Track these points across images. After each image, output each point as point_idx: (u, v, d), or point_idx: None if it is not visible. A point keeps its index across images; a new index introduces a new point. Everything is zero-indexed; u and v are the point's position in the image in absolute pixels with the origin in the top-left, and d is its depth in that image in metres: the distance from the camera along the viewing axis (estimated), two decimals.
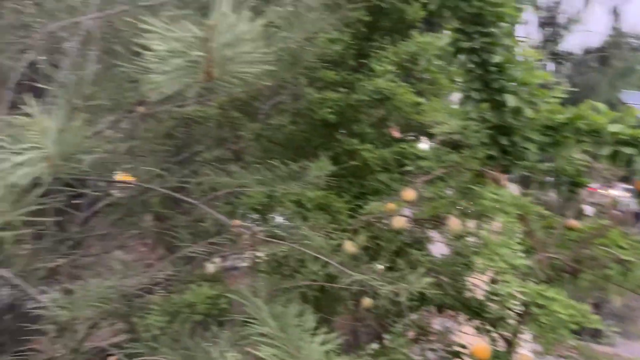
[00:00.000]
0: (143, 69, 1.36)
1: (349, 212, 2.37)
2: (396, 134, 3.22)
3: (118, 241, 2.35)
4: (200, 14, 2.11)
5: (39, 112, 1.18)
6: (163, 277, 1.97)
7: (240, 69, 0.96)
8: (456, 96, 3.78)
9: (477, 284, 2.33)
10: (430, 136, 2.68)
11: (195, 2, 1.94)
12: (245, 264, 3.28)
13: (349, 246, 2.21)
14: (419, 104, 2.48)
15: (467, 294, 2.30)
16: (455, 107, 2.30)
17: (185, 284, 2.10)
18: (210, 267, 2.64)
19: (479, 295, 2.31)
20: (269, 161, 2.31)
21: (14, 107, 2.50)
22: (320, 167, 2.38)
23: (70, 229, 2.31)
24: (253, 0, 1.20)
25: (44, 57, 2.08)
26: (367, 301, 2.07)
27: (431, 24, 3.43)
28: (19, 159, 0.85)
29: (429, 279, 1.59)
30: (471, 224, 2.06)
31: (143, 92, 1.46)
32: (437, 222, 2.25)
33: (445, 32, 2.30)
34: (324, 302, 2.28)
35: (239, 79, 1.01)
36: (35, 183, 0.93)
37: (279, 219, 2.63)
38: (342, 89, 2.56)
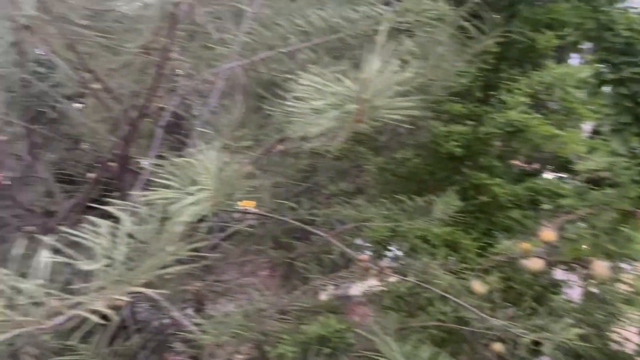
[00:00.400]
0: (289, 112, 1.44)
1: (477, 250, 2.27)
2: (525, 166, 3.06)
3: (248, 268, 2.47)
4: (333, 57, 2.19)
5: (199, 153, 1.29)
6: (291, 306, 2.03)
7: (388, 115, 0.98)
8: (589, 126, 3.51)
9: (626, 337, 2.10)
10: (569, 171, 2.51)
11: (328, 46, 2.03)
12: (358, 294, 3.28)
13: (478, 286, 2.11)
14: (556, 136, 2.33)
15: (614, 347, 2.08)
16: (597, 139, 2.13)
17: (312, 314, 2.14)
18: (324, 296, 2.68)
19: (629, 349, 2.07)
20: (393, 195, 2.31)
21: (165, 145, 2.76)
22: (447, 202, 2.32)
23: (204, 254, 2.48)
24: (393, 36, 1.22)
25: (194, 100, 2.29)
26: (497, 346, 1.95)
27: (560, 51, 3.25)
28: (190, 199, 0.94)
29: (576, 330, 1.46)
30: (619, 269, 1.87)
31: (286, 132, 1.54)
32: (577, 264, 2.07)
33: (579, 60, 2.17)
34: (451, 343, 2.20)
35: (383, 122, 1.03)
36: (200, 220, 1.01)
37: (400, 254, 2.61)
38: (469, 122, 2.50)
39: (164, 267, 0.89)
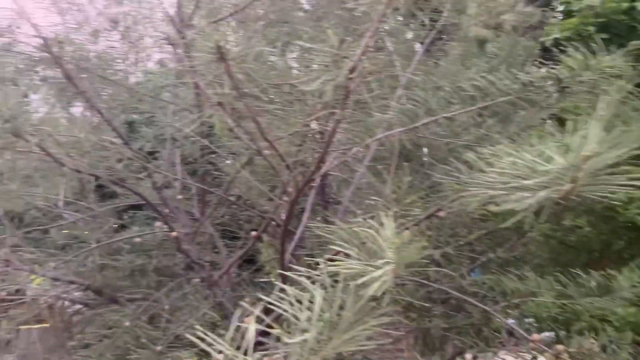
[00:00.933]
0: (467, 182, 1.39)
1: None
2: None
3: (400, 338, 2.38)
4: (498, 120, 2.09)
5: (374, 222, 1.28)
6: None
7: (594, 192, 0.90)
8: None
9: None
10: None
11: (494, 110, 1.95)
12: None
13: None
14: None
15: None
16: None
17: None
18: None
19: None
20: (560, 267, 2.09)
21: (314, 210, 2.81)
22: (630, 278, 2.05)
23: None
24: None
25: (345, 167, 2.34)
26: None
27: None
28: (379, 272, 0.92)
29: None
30: None
31: (452, 200, 1.49)
32: None
33: None
34: None
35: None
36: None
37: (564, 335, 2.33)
38: None
39: (356, 341, 0.87)
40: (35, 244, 3.11)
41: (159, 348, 2.08)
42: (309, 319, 0.85)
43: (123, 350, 2.48)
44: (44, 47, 2.21)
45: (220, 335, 0.78)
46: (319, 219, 2.26)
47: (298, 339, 0.79)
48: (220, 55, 1.34)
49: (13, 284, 2.88)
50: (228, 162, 3.40)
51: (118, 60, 2.98)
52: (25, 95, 2.78)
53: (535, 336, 1.74)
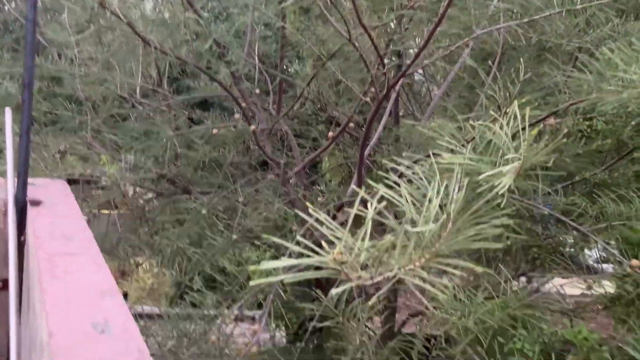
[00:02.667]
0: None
1: None
2: None
3: None
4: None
5: (493, 119, 1.15)
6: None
7: None
8: None
9: None
10: None
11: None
12: (575, 294, 2.87)
13: None
14: None
15: None
16: None
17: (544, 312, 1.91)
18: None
19: None
20: None
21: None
22: None
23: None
24: None
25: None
26: None
27: None
28: (506, 168, 0.81)
29: None
30: None
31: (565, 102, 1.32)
32: None
33: None
34: None
35: None
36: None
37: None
38: None
39: (471, 242, 0.79)
40: (113, 131, 3.18)
41: (235, 236, 2.11)
42: (426, 217, 0.76)
43: (198, 236, 2.56)
44: None
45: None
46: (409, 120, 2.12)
47: (420, 229, 0.72)
48: None
49: (93, 168, 3.00)
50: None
51: None
52: None
53: (635, 262, 1.61)
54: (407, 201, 0.83)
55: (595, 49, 1.63)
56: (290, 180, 2.68)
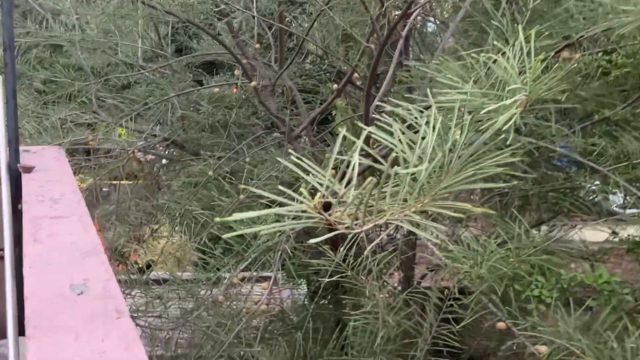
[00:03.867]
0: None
1: None
2: None
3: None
4: None
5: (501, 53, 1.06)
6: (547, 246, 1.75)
7: None
8: None
9: None
10: None
11: None
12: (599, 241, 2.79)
13: None
14: None
15: None
16: None
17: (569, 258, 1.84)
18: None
19: None
20: None
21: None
22: None
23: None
24: None
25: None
26: None
27: None
28: (508, 101, 0.73)
29: None
30: None
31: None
32: None
33: None
34: None
35: None
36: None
37: None
38: None
39: (469, 182, 0.72)
40: (118, 98, 3.13)
41: (242, 196, 2.08)
42: (420, 156, 0.70)
43: (208, 199, 2.54)
44: None
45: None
46: (411, 62, 2.02)
47: (410, 170, 0.65)
48: None
49: (101, 135, 2.97)
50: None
51: None
52: None
53: None
54: (401, 142, 0.77)
55: None
56: (299, 138, 2.62)
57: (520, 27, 1.24)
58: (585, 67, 1.90)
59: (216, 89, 2.53)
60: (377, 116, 0.85)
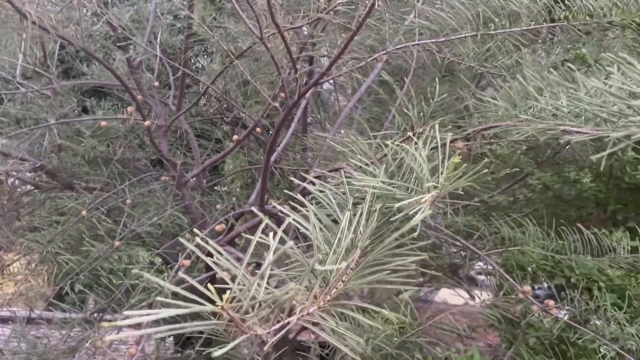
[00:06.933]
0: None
1: None
2: None
3: None
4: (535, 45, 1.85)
5: (409, 143, 1.08)
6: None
7: None
8: None
9: None
10: None
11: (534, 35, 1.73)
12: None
13: None
14: None
15: None
16: None
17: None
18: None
19: None
20: (553, 219, 1.99)
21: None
22: (618, 241, 1.97)
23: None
24: None
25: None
26: None
27: None
28: (424, 197, 0.73)
29: None
30: None
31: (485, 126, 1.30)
32: None
33: None
34: None
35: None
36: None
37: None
38: None
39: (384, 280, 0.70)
40: None
41: (117, 242, 1.89)
42: (337, 245, 0.66)
43: (76, 239, 2.28)
44: None
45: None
46: (313, 131, 2.04)
47: (330, 267, 0.61)
48: None
49: None
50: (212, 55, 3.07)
51: None
52: None
53: (527, 288, 1.65)
54: (315, 228, 0.72)
55: (507, 75, 1.66)
56: (188, 184, 2.48)
57: (427, 115, 1.29)
58: (476, 155, 2.05)
59: (104, 122, 2.34)
60: (295, 195, 0.81)
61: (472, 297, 2.86)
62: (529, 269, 1.94)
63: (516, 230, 1.99)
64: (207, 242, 0.57)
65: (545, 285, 2.08)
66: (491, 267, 1.97)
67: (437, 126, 0.95)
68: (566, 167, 2.23)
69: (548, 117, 1.06)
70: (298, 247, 0.67)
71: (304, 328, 2.90)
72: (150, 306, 1.74)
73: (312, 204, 0.77)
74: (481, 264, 2.71)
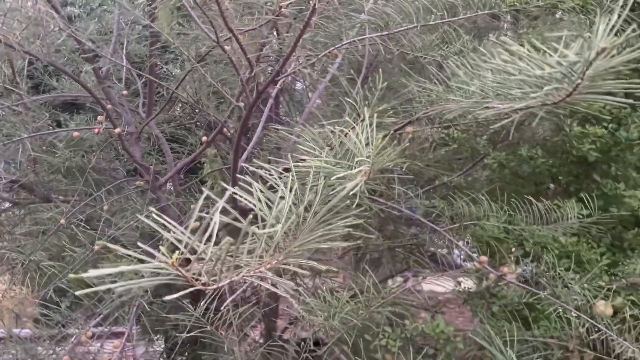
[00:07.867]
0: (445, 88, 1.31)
1: (604, 268, 2.04)
2: None
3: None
4: (473, 36, 1.98)
5: (351, 126, 1.19)
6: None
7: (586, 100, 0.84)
8: None
9: None
10: None
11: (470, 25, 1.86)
12: (444, 291, 3.11)
13: (603, 308, 1.90)
14: None
15: None
16: None
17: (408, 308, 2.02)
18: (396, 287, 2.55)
19: None
20: (511, 195, 2.12)
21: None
22: (571, 210, 2.11)
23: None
24: None
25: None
26: None
27: None
28: (354, 172, 0.84)
29: None
30: None
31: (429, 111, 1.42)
32: None
33: None
34: None
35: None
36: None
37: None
38: (609, 125, 2.24)
39: (322, 240, 0.81)
40: None
41: (96, 247, 1.97)
42: (277, 216, 0.77)
43: (58, 248, 2.35)
44: None
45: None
46: (276, 126, 2.14)
47: (266, 230, 0.71)
48: None
49: None
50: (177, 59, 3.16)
51: None
52: None
53: (483, 258, 1.77)
54: (260, 201, 0.83)
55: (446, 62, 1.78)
56: (163, 187, 2.57)
57: (366, 106, 1.40)
58: (432, 140, 2.18)
59: (76, 133, 2.41)
60: (240, 176, 0.91)
61: (459, 283, 3.00)
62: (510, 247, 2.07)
63: (471, 207, 2.12)
64: (162, 217, 0.67)
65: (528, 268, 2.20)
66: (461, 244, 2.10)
67: (375, 113, 1.06)
68: (520, 146, 2.37)
69: (476, 97, 1.18)
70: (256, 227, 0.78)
71: (287, 327, 2.99)
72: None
73: (258, 183, 0.87)
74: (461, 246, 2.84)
